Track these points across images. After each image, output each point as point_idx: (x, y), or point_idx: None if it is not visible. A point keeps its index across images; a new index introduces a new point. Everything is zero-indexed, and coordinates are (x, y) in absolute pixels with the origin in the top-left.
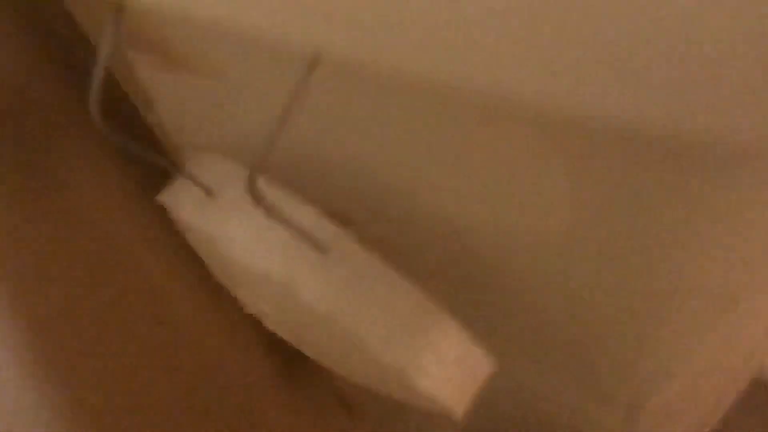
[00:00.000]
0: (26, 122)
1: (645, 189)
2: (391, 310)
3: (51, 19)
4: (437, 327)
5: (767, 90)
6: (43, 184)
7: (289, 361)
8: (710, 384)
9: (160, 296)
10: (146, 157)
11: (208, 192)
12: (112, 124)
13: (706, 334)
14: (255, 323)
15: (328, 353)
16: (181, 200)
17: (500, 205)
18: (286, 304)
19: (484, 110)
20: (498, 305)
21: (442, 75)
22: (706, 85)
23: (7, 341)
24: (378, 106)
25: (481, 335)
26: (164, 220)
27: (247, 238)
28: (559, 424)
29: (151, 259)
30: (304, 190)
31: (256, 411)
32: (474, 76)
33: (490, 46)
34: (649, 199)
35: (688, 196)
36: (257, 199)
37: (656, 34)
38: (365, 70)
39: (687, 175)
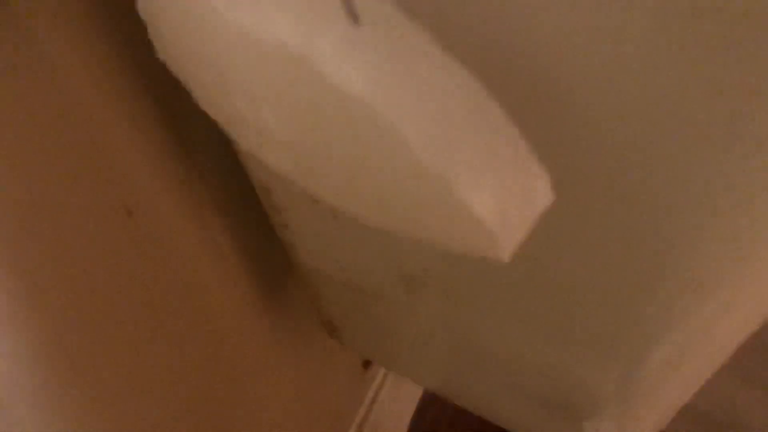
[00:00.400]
0: None
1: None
2: (439, 101)
3: None
4: (494, 129)
5: None
6: None
7: (272, 284)
8: (713, 339)
9: (138, 190)
10: None
11: None
12: None
13: (716, 288)
14: (239, 243)
15: (346, 172)
16: None
17: (579, 9)
18: (301, 95)
19: None
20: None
21: None
22: None
23: None
24: None
25: None
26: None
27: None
28: (551, 390)
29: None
30: None
31: (237, 332)
32: None
33: None
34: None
35: None
36: None
37: None
38: None
39: None
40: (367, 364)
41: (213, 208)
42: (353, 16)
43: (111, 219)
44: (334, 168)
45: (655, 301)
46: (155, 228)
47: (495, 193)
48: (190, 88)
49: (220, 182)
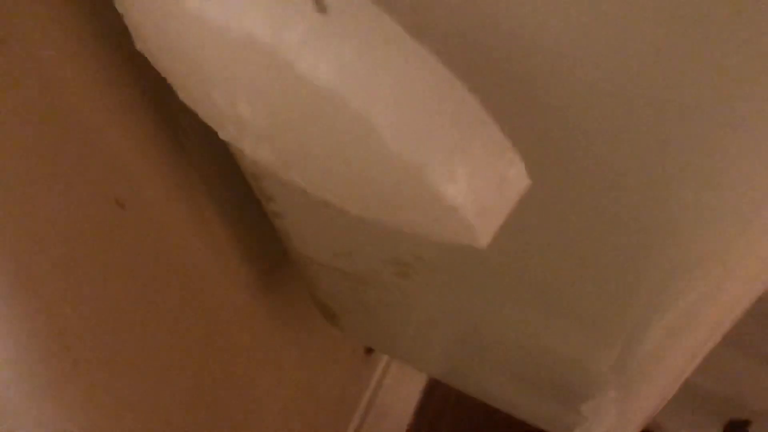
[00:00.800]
0: None
1: None
2: (409, 89)
3: None
4: (466, 115)
5: None
6: None
7: (270, 271)
8: (709, 316)
9: (128, 180)
10: None
11: None
12: None
13: (706, 269)
14: (234, 230)
15: (323, 162)
16: None
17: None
18: (272, 86)
19: None
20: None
21: None
22: None
23: None
24: None
25: None
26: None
27: None
28: (548, 372)
29: (120, 139)
30: None
31: (236, 321)
32: None
33: None
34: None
35: None
36: None
37: None
38: None
39: None
40: (370, 349)
41: (207, 197)
42: (320, 6)
43: (103, 212)
44: (311, 158)
45: (646, 281)
46: (148, 219)
47: (469, 182)
48: (168, 79)
49: (213, 170)
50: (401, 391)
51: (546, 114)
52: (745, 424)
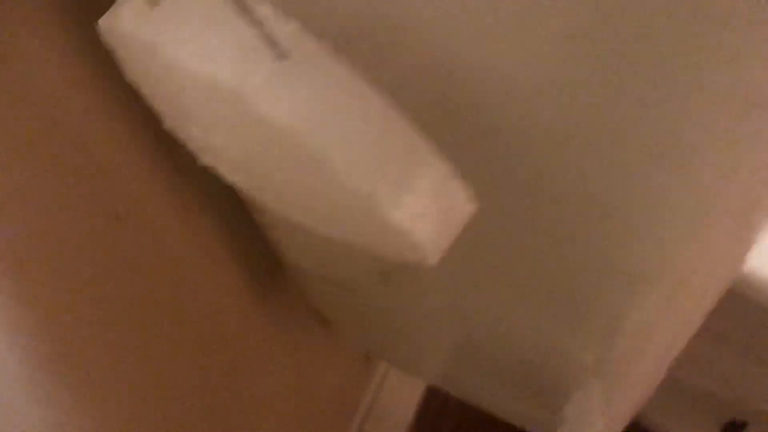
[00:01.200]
0: None
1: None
2: (360, 127)
3: None
4: (413, 150)
5: None
6: None
7: (266, 278)
8: (684, 300)
9: (125, 194)
10: None
11: (152, 2)
12: None
13: (681, 247)
14: (230, 239)
15: (287, 188)
16: (121, 15)
17: (494, 40)
18: (239, 124)
19: None
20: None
21: None
22: None
23: None
24: None
25: None
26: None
27: (192, 39)
28: (536, 361)
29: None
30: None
31: (233, 328)
32: None
33: None
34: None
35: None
36: None
37: None
38: None
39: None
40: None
41: (202, 208)
42: (279, 55)
43: (100, 225)
44: (277, 185)
45: (606, 291)
46: (146, 230)
47: (414, 208)
48: (154, 109)
49: (207, 181)
50: (401, 394)
51: (498, 142)
52: (742, 425)
